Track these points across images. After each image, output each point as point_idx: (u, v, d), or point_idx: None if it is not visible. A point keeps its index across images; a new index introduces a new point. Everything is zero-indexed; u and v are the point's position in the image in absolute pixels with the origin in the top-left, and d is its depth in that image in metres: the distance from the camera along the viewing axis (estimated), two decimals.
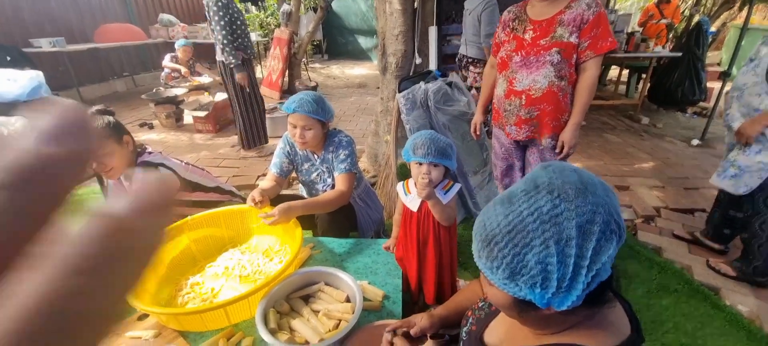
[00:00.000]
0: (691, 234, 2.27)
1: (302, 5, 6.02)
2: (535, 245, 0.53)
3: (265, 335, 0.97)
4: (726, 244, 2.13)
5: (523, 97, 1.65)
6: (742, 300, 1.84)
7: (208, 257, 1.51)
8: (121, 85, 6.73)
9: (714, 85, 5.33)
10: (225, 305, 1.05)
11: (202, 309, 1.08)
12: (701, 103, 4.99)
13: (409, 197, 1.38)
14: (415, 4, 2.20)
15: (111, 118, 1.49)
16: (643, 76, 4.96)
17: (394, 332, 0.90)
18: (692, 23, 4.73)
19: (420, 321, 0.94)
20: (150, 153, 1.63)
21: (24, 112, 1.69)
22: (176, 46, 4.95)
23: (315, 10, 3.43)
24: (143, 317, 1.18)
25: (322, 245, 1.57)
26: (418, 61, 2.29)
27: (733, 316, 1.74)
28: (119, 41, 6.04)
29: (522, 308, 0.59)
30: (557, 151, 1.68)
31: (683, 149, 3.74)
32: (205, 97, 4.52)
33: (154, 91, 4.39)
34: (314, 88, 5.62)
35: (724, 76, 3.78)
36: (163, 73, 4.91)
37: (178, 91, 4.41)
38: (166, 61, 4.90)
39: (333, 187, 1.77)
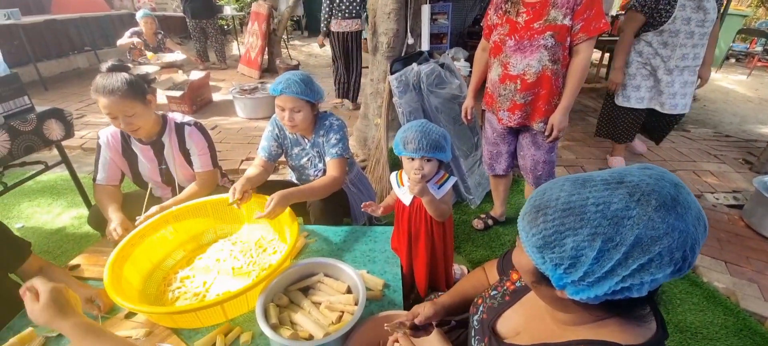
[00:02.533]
0: None
1: None
2: (582, 234, 0.50)
3: (268, 332, 0.93)
4: None
5: (519, 81, 1.63)
6: (718, 278, 1.95)
7: (197, 250, 1.44)
8: (82, 60, 6.25)
9: None
10: (223, 301, 1.00)
11: (198, 306, 1.02)
12: None
13: (402, 189, 1.31)
14: None
15: (128, 75, 1.38)
16: None
17: (401, 327, 0.87)
18: None
19: (424, 310, 0.92)
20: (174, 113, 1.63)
21: None
22: (137, 17, 4.38)
23: None
24: (130, 315, 1.11)
25: (317, 234, 1.53)
26: (409, 41, 2.22)
27: (710, 292, 1.85)
28: (79, 12, 5.58)
29: (538, 279, 0.59)
30: (546, 134, 1.68)
31: (683, 140, 3.86)
32: (179, 76, 4.26)
33: None
34: (296, 67, 5.41)
35: None
36: (127, 49, 4.39)
37: (149, 69, 4.13)
38: (125, 38, 4.30)
39: (324, 172, 1.71)
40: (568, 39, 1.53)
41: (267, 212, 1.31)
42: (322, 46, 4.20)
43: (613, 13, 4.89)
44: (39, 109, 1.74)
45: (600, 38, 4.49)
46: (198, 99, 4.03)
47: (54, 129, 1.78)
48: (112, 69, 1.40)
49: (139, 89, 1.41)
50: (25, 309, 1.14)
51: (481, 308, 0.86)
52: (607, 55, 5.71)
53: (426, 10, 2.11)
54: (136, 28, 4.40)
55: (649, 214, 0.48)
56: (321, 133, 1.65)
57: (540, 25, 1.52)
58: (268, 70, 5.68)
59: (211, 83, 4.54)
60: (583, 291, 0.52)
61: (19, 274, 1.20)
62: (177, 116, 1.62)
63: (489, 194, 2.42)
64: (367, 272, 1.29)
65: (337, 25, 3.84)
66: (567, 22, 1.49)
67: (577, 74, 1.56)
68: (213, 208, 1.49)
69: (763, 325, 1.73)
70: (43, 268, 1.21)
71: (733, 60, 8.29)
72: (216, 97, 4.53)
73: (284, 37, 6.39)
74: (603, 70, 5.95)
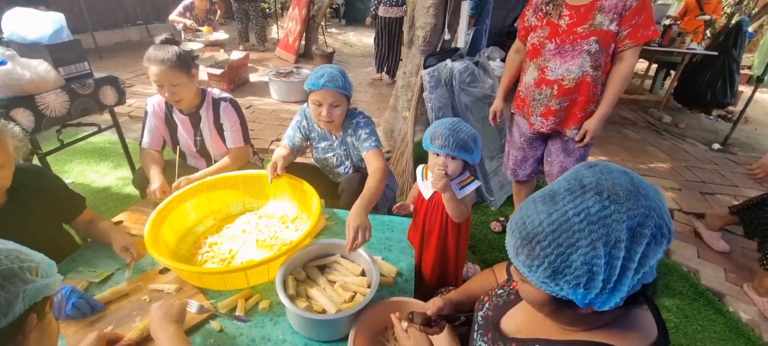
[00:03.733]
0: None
1: None
2: (582, 246, 0.52)
3: (285, 301, 1.00)
4: None
5: (556, 86, 1.59)
6: (744, 308, 1.86)
7: (226, 220, 1.54)
8: (135, 33, 6.64)
9: (743, 90, 5.15)
10: (247, 268, 1.08)
11: (225, 270, 1.11)
12: (728, 108, 4.84)
13: (425, 183, 1.33)
14: None
15: (178, 49, 1.52)
16: (672, 72, 4.78)
17: (410, 319, 0.91)
18: (731, 22, 4.50)
19: (434, 302, 0.95)
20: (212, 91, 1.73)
21: (46, 56, 1.68)
22: None
23: None
24: (165, 270, 1.22)
25: (337, 218, 1.59)
26: (446, 36, 2.21)
27: (733, 322, 1.77)
28: None
29: (557, 307, 0.59)
30: (578, 139, 1.64)
31: (703, 153, 3.66)
32: (221, 55, 4.45)
33: None
34: (331, 55, 5.50)
35: (758, 81, 3.63)
36: (179, 25, 4.68)
37: (194, 45, 4.34)
38: (175, 14, 4.56)
39: (353, 170, 1.74)
40: (613, 45, 1.48)
41: (360, 241, 1.15)
42: (369, 25, 5.02)
43: (667, 22, 4.60)
44: (96, 75, 1.89)
45: (647, 47, 4.27)
46: (236, 78, 4.20)
47: (109, 95, 1.94)
48: (165, 42, 1.53)
49: (186, 63, 1.52)
50: (72, 255, 1.29)
51: (486, 305, 0.89)
52: (654, 66, 5.41)
53: (465, 6, 2.09)
54: (187, 2, 4.62)
55: (625, 205, 0.51)
56: (349, 133, 1.63)
57: (584, 30, 1.47)
58: (304, 56, 5.80)
59: (248, 64, 4.71)
60: (609, 299, 0.53)
61: (72, 224, 1.34)
62: (215, 92, 1.72)
63: (510, 198, 2.40)
64: (383, 259, 1.34)
65: (385, 11, 4.54)
66: (613, 27, 1.43)
67: (619, 82, 1.51)
68: (244, 182, 1.58)
69: None
70: (93, 220, 1.34)
71: None
72: (253, 77, 4.70)
73: (322, 24, 6.49)
74: (647, 82, 5.64)
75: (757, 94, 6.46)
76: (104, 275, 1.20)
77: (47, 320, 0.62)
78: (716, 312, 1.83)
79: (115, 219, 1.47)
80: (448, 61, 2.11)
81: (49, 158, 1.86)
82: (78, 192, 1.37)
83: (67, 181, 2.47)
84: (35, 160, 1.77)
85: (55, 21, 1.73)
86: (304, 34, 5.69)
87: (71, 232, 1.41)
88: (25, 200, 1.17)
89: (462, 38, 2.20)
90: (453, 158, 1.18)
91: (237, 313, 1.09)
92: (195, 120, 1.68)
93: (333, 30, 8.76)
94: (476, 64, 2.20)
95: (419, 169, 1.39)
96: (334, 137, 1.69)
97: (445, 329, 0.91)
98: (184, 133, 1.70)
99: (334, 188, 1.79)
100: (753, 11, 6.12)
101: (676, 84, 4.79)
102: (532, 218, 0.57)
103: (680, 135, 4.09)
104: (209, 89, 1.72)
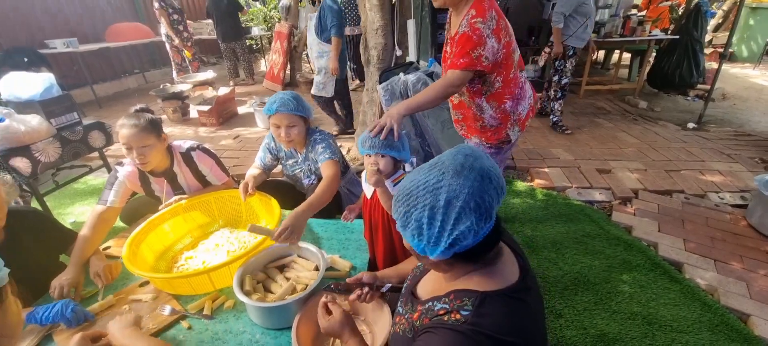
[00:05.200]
0: None
1: None
2: (418, 207, 0.68)
3: (239, 295, 1.15)
4: None
5: (450, 100, 1.80)
6: (701, 275, 1.95)
7: (202, 237, 1.71)
8: (132, 81, 7.02)
9: (727, 68, 5.25)
10: (208, 271, 1.24)
11: (189, 274, 1.27)
12: (702, 86, 4.95)
13: (366, 184, 1.50)
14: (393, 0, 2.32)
15: (150, 115, 1.62)
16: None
17: (331, 289, 1.06)
18: (691, 5, 4.68)
19: (364, 276, 1.10)
20: (178, 144, 1.77)
21: (39, 111, 1.91)
22: None
23: (313, 3, 3.61)
24: (144, 284, 1.39)
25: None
26: (398, 53, 2.42)
27: (689, 289, 1.85)
28: (129, 40, 6.30)
29: (433, 263, 0.75)
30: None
31: (674, 133, 3.77)
32: (210, 93, 4.73)
33: (161, 87, 4.63)
34: None
35: (721, 57, 3.76)
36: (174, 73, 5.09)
37: (184, 87, 4.63)
38: (158, 3, 4.95)
39: (318, 182, 1.90)
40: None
41: (286, 236, 1.32)
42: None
43: (626, 13, 4.79)
44: (85, 122, 2.12)
45: (609, 39, 4.45)
46: (224, 112, 4.46)
47: (96, 138, 2.16)
48: (140, 111, 1.63)
49: (157, 127, 1.61)
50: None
51: (409, 277, 1.03)
52: (627, 55, 5.58)
53: (411, 24, 2.30)
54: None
55: (449, 181, 0.66)
56: (310, 148, 1.83)
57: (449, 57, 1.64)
58: (290, 84, 6.09)
59: (238, 98, 4.99)
60: (434, 251, 0.68)
61: (67, 252, 1.52)
62: (181, 145, 1.76)
63: None
64: (339, 256, 1.49)
65: (350, 30, 5.05)
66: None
67: (429, 90, 1.56)
68: (218, 201, 1.75)
69: (745, 323, 1.72)
70: None
71: None
72: (241, 109, 4.96)
73: (306, 52, 6.81)
74: (622, 72, 5.80)
75: (736, 70, 6.61)
76: (91, 293, 1.37)
77: (6, 305, 0.76)
78: (672, 280, 1.92)
79: (104, 245, 1.65)
80: (402, 75, 2.30)
81: (50, 201, 2.07)
82: (77, 230, 1.53)
83: (68, 220, 2.69)
84: (34, 203, 1.98)
85: (46, 80, 1.97)
86: (289, 64, 5.99)
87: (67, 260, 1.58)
88: (17, 236, 1.35)
89: (413, 53, 2.39)
90: (383, 156, 1.35)
91: (204, 312, 1.25)
92: (170, 178, 1.75)
93: None
94: (430, 75, 2.38)
95: (363, 173, 1.55)
96: (299, 154, 1.89)
97: (340, 313, 0.99)
98: (163, 194, 1.75)
99: (303, 198, 1.96)
100: None
101: (648, 70, 4.94)
102: (405, 182, 0.73)
103: (654, 118, 4.21)
104: (172, 144, 1.74)
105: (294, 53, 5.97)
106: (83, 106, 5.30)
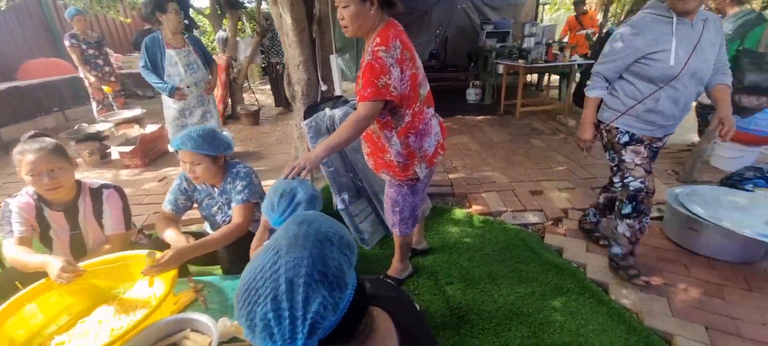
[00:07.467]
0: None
1: (243, 30, 6.01)
2: (260, 302, 0.54)
3: None
4: None
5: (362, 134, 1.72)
6: (626, 294, 1.98)
7: (83, 313, 1.45)
8: (50, 121, 6.36)
9: None
10: None
11: None
12: None
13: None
14: (314, 35, 2.26)
15: (51, 139, 1.48)
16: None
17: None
18: (603, 32, 5.18)
19: None
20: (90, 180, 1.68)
21: None
22: (67, 16, 4.45)
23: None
24: None
25: (212, 286, 1.55)
26: (323, 88, 2.35)
27: (615, 310, 1.87)
28: (45, 77, 5.73)
29: None
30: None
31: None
32: (135, 131, 4.36)
33: (75, 128, 4.18)
34: (256, 112, 5.56)
35: None
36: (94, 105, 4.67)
37: (104, 126, 4.23)
38: (68, 42, 4.42)
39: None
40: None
41: (158, 266, 1.34)
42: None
43: (553, 39, 5.20)
44: None
45: (535, 64, 4.75)
46: (151, 151, 4.10)
47: None
48: (36, 135, 1.50)
49: (64, 150, 1.52)
50: None
51: None
52: (554, 77, 5.99)
53: (333, 59, 2.25)
54: (71, 32, 4.53)
55: (285, 258, 0.55)
56: (228, 181, 1.72)
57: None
58: (231, 117, 5.82)
59: (166, 135, 4.63)
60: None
61: None
62: (94, 182, 1.67)
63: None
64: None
65: (277, 61, 5.61)
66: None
67: (343, 126, 1.48)
68: (105, 268, 1.51)
69: (670, 343, 1.73)
70: None
71: None
72: (172, 147, 4.61)
73: (249, 83, 6.60)
74: (553, 92, 6.21)
75: None
76: None
77: None
78: (599, 303, 1.94)
79: None
80: (327, 110, 2.22)
81: None
82: None
83: None
84: None
85: None
86: (229, 97, 5.74)
87: None
88: None
89: (338, 87, 2.34)
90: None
91: None
92: (71, 214, 1.60)
93: (266, 86, 8.90)
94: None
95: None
96: (215, 190, 1.78)
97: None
98: (58, 231, 1.59)
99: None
100: (620, 19, 7.13)
101: (574, 90, 5.33)
102: (241, 276, 0.60)
103: None
104: (85, 179, 1.67)
105: (234, 85, 5.74)
106: None
